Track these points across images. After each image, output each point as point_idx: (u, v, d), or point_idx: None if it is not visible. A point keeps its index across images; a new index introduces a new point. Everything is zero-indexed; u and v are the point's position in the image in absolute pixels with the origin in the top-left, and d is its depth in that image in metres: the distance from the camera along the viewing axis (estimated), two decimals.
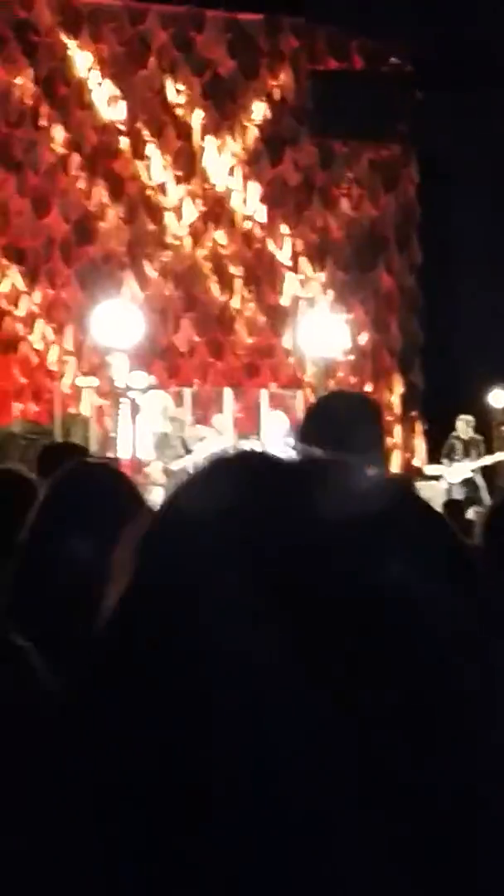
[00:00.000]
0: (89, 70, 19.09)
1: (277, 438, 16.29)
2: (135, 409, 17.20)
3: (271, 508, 0.72)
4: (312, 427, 3.00)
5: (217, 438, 16.59)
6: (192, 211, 19.63)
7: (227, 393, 18.77)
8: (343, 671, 0.68)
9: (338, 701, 0.68)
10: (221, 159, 19.77)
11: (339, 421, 2.91)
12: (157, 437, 16.08)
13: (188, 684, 0.69)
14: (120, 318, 16.92)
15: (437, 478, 17.72)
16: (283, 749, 0.67)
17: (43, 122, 18.79)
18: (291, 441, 16.11)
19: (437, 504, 13.08)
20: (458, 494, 16.85)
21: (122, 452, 16.58)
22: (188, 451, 16.08)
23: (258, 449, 0.79)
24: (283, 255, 20.14)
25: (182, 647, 0.70)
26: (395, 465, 18.44)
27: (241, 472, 0.77)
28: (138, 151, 19.29)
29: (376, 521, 0.72)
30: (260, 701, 0.68)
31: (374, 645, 0.69)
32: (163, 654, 0.71)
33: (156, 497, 15.29)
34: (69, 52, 19.00)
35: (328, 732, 0.67)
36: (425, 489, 14.65)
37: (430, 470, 18.64)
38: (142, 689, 0.71)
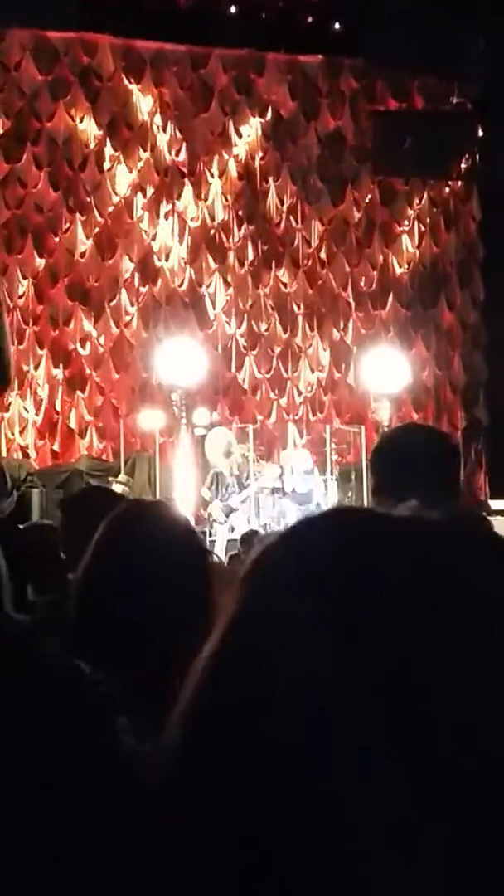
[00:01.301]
0: (152, 113, 19.33)
1: (299, 474, 16.24)
2: (198, 446, 17.29)
3: (354, 574, 0.73)
4: (386, 465, 2.87)
5: (272, 472, 16.62)
6: (254, 250, 19.77)
7: (291, 429, 18.82)
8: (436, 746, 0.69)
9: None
10: (283, 199, 19.90)
11: (412, 458, 2.80)
12: (211, 475, 16.13)
13: (282, 760, 0.70)
14: (183, 356, 17.04)
15: (502, 512, 17.62)
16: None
17: (107, 165, 19.06)
18: (312, 476, 16.11)
19: None
20: None
21: (186, 490, 16.68)
22: (243, 487, 16.13)
23: (341, 511, 0.81)
24: (345, 292, 20.21)
25: (274, 719, 0.71)
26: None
27: (323, 536, 0.78)
28: (201, 192, 19.49)
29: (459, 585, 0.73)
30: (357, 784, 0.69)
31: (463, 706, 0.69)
32: (253, 727, 0.72)
33: (217, 533, 15.39)
34: (132, 97, 19.26)
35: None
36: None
37: (495, 505, 18.54)
38: (234, 762, 0.72)
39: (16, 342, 18.50)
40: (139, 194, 19.21)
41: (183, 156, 19.45)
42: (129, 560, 2.31)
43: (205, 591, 2.33)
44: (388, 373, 17.83)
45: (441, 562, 0.74)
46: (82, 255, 18.93)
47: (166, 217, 19.34)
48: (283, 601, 0.74)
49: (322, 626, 0.71)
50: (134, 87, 19.23)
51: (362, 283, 20.28)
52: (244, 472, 16.57)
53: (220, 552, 13.21)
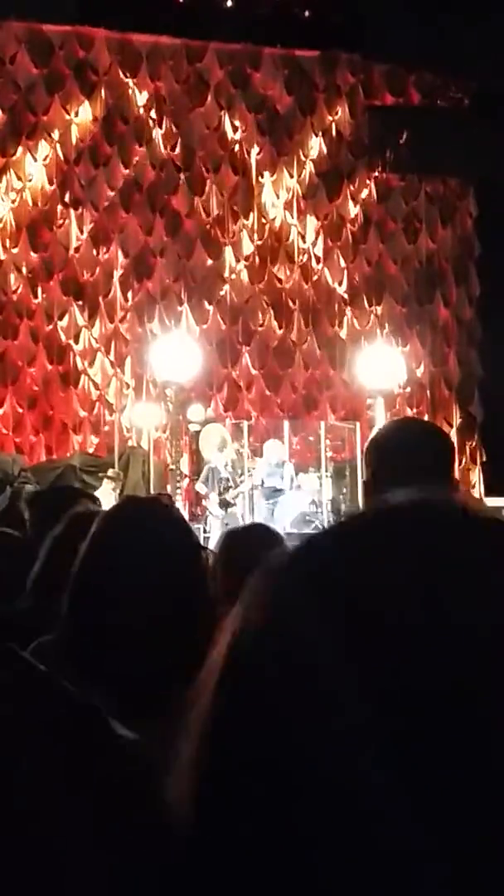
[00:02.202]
0: (147, 107, 19.29)
1: (271, 465, 16.16)
2: (192, 442, 17.28)
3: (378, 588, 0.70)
4: (380, 458, 2.83)
5: (265, 468, 16.59)
6: (249, 245, 19.75)
7: (286, 425, 18.80)
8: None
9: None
10: (278, 194, 19.88)
11: (407, 451, 2.76)
12: (206, 470, 16.11)
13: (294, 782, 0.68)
14: (178, 351, 17.01)
15: (498, 510, 17.59)
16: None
17: (102, 159, 19.02)
18: (283, 469, 16.06)
19: None
20: None
21: (180, 485, 16.66)
22: (237, 485, 16.11)
23: (343, 522, 0.77)
24: (341, 288, 20.19)
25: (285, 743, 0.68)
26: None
27: (329, 546, 0.76)
28: (196, 187, 19.45)
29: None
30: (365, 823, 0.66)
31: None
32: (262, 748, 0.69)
33: (212, 529, 15.36)
34: (128, 90, 19.23)
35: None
36: None
37: (490, 502, 18.54)
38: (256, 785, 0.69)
39: (10, 336, 18.51)
40: (134, 189, 19.17)
41: (178, 150, 19.41)
42: (125, 555, 2.28)
43: (201, 586, 2.31)
44: (383, 369, 17.80)
45: (451, 559, 0.71)
46: (77, 249, 18.90)
47: (161, 212, 19.30)
48: (290, 614, 0.71)
49: (331, 637, 0.69)
50: (129, 81, 19.20)
51: (357, 279, 20.26)
52: (238, 468, 16.56)
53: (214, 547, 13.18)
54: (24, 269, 18.61)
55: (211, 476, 15.93)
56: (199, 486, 16.43)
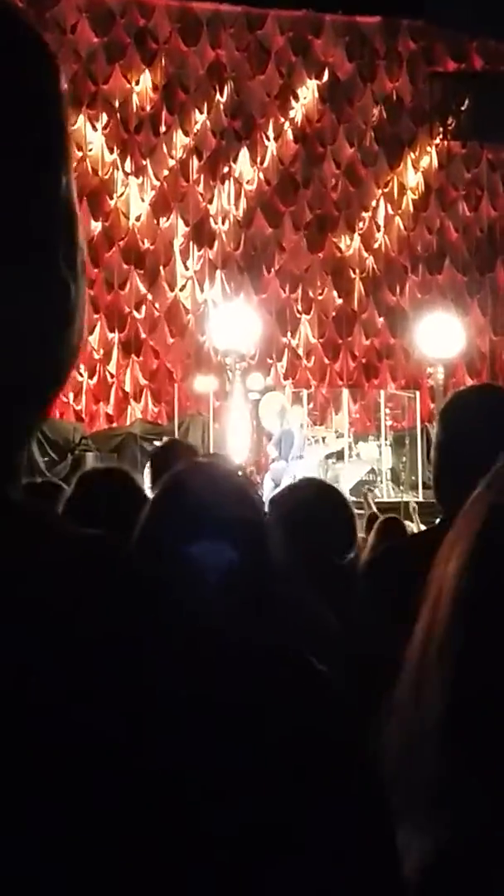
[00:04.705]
0: (208, 75, 19.24)
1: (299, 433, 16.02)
2: (252, 410, 17.27)
3: None
4: (454, 421, 2.79)
5: (333, 439, 16.53)
6: (309, 214, 19.68)
7: (345, 394, 18.76)
8: None
9: None
10: (339, 162, 19.77)
11: (482, 416, 2.72)
12: (279, 434, 15.94)
13: None
14: (238, 320, 16.99)
15: None
16: None
17: (162, 128, 19.02)
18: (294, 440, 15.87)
19: None
20: None
21: (240, 452, 16.66)
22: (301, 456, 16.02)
23: None
24: (401, 256, 20.09)
25: None
26: None
27: None
28: (257, 156, 19.40)
29: None
30: None
31: None
32: None
33: (265, 489, 15.32)
34: (188, 58, 19.19)
35: None
36: None
37: None
38: None
39: None
40: (195, 157, 19.16)
41: (239, 119, 19.36)
42: (184, 517, 2.28)
43: (262, 547, 2.30)
44: (443, 338, 17.67)
45: None
46: (138, 218, 18.93)
47: (222, 181, 19.29)
48: None
49: None
50: (190, 49, 19.15)
51: (419, 248, 20.14)
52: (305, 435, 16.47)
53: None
54: (84, 238, 18.63)
55: (283, 441, 15.78)
56: (270, 449, 16.30)
